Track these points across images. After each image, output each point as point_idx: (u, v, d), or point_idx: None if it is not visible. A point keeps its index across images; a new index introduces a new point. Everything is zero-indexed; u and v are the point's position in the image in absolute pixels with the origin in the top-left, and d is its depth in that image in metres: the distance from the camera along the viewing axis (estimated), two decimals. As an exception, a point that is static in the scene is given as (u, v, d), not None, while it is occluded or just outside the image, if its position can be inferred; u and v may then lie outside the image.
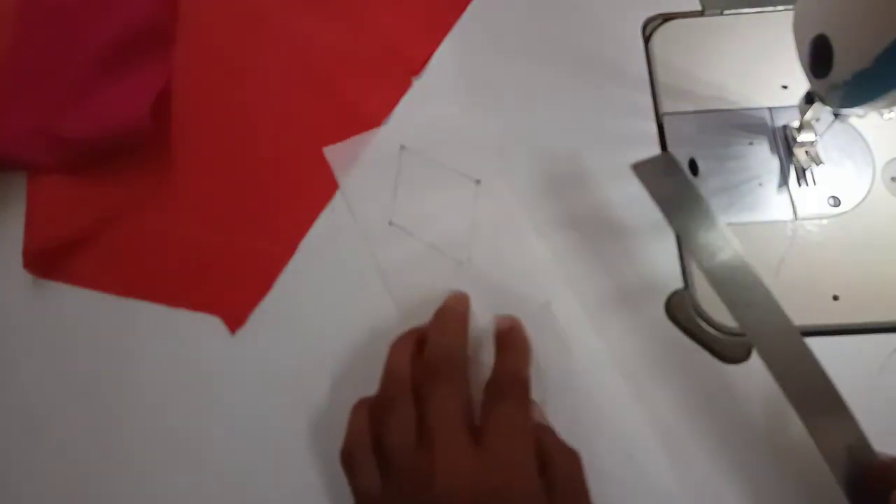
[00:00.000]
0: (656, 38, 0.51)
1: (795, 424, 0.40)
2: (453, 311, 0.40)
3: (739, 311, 0.37)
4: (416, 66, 0.51)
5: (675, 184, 0.42)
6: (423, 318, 0.41)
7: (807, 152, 0.45)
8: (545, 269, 0.45)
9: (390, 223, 0.46)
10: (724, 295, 0.38)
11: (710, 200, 0.45)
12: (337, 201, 0.47)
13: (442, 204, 0.47)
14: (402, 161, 0.48)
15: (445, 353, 0.37)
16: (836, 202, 0.45)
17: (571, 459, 0.36)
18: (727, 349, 0.42)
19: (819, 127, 0.45)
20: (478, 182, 0.47)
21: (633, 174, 0.42)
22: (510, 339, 0.40)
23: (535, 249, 0.45)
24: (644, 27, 0.52)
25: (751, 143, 0.47)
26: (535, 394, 0.39)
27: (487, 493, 0.32)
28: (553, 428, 0.38)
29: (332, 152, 0.48)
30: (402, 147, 0.48)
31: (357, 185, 0.48)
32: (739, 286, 0.38)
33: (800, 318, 0.42)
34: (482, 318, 0.42)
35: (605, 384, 0.42)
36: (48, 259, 0.46)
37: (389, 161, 0.48)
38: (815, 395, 0.36)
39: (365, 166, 0.48)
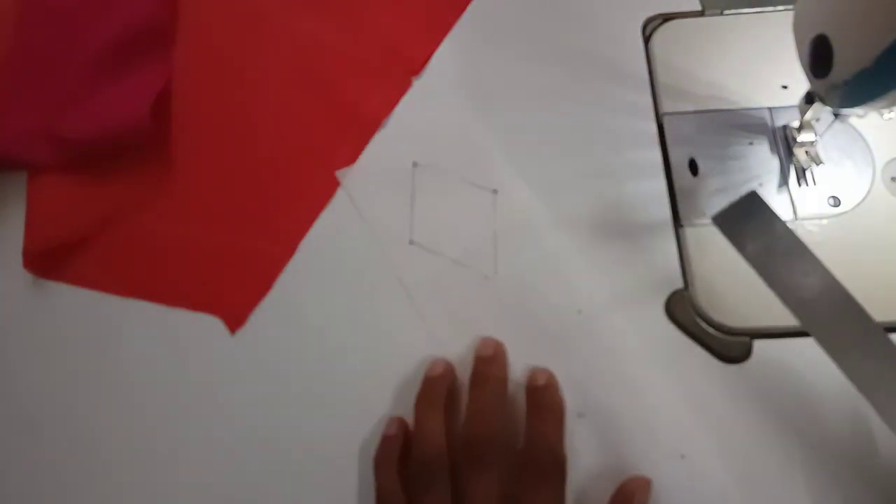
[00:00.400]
0: (656, 38, 0.51)
1: (795, 424, 0.40)
2: (492, 382, 0.39)
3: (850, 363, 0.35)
4: (417, 66, 0.51)
5: (765, 230, 0.39)
6: (454, 337, 0.42)
7: (807, 152, 0.45)
8: (573, 275, 0.44)
9: (411, 242, 0.46)
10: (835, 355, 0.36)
11: (710, 200, 0.46)
12: (337, 201, 0.47)
13: (461, 217, 0.46)
14: (415, 178, 0.47)
15: (486, 432, 0.37)
16: (837, 202, 0.45)
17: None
18: (727, 349, 0.42)
19: (819, 127, 0.45)
20: (495, 192, 0.46)
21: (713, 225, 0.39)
22: (544, 399, 0.39)
23: (558, 255, 0.45)
24: (644, 27, 0.52)
25: (751, 143, 0.47)
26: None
27: None
28: None
29: (344, 175, 0.48)
30: (415, 164, 0.47)
31: (373, 206, 0.47)
32: (853, 337, 0.36)
33: (800, 318, 0.42)
34: (515, 338, 0.42)
35: (605, 384, 0.42)
36: (48, 259, 0.46)
37: (403, 178, 0.48)
38: None
39: (379, 186, 0.48)
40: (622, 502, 0.37)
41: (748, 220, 0.39)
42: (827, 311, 0.37)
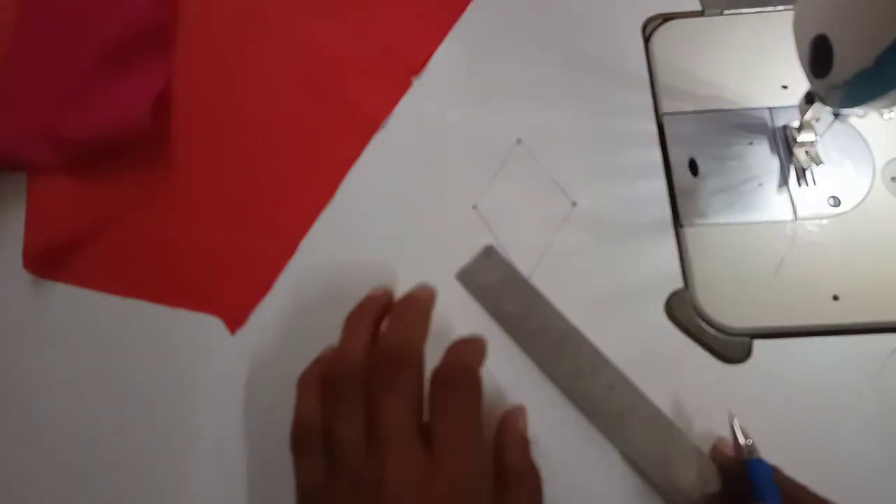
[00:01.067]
0: (656, 38, 0.51)
1: (795, 424, 0.40)
2: (419, 303, 0.38)
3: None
4: (416, 65, 0.51)
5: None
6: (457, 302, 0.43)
7: (807, 152, 0.45)
8: (572, 275, 0.45)
9: (474, 207, 0.46)
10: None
11: (710, 200, 0.46)
12: (338, 201, 0.47)
13: (530, 211, 0.46)
14: (513, 154, 0.48)
15: (405, 347, 0.35)
16: (836, 202, 0.45)
17: (530, 485, 0.36)
18: (727, 349, 0.42)
19: (819, 127, 0.45)
20: (574, 204, 0.46)
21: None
22: (463, 342, 0.37)
23: (557, 255, 0.45)
24: (644, 27, 0.52)
25: (751, 143, 0.47)
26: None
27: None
28: (527, 439, 0.37)
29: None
30: (519, 140, 0.48)
31: (461, 162, 0.48)
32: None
33: (800, 319, 0.42)
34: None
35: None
36: (48, 259, 0.46)
37: (500, 150, 0.48)
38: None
39: (476, 149, 0.48)
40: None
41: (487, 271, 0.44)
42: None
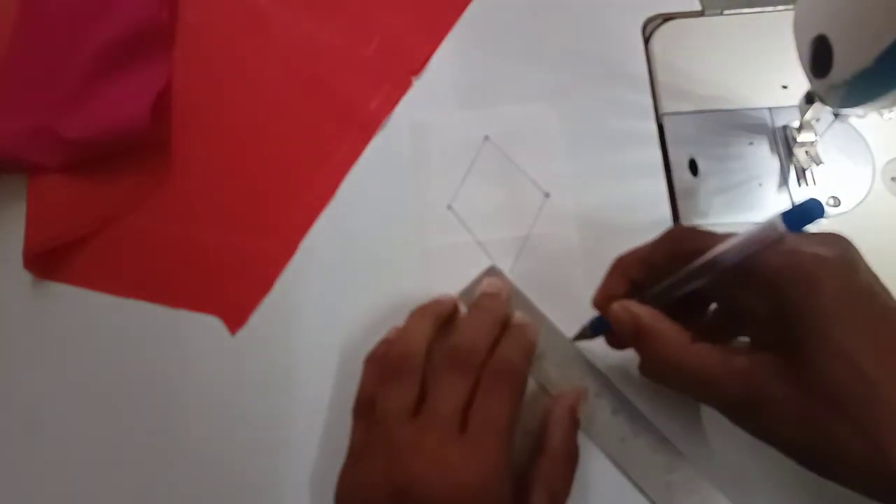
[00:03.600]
0: (656, 38, 0.51)
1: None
2: (491, 312, 0.39)
3: None
4: (416, 65, 0.51)
5: None
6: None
7: (807, 152, 0.45)
8: (572, 275, 0.45)
9: (449, 207, 0.47)
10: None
11: (710, 200, 0.46)
12: (338, 201, 0.47)
13: (505, 207, 0.47)
14: (482, 151, 0.48)
15: (470, 345, 0.37)
16: (836, 202, 0.45)
17: (563, 466, 0.37)
18: (727, 349, 0.42)
19: (819, 127, 0.45)
20: (547, 195, 0.46)
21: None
22: (518, 330, 0.39)
23: (557, 255, 0.45)
24: (644, 27, 0.52)
25: (751, 144, 0.47)
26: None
27: (459, 486, 0.33)
28: (576, 420, 0.38)
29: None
30: (487, 138, 0.48)
31: (430, 161, 0.48)
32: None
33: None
34: None
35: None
36: (48, 259, 0.46)
37: (469, 147, 0.48)
38: None
39: (444, 145, 0.48)
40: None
41: None
42: None
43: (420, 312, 0.40)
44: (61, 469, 0.42)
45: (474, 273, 0.45)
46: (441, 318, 0.40)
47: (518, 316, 0.40)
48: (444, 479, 0.33)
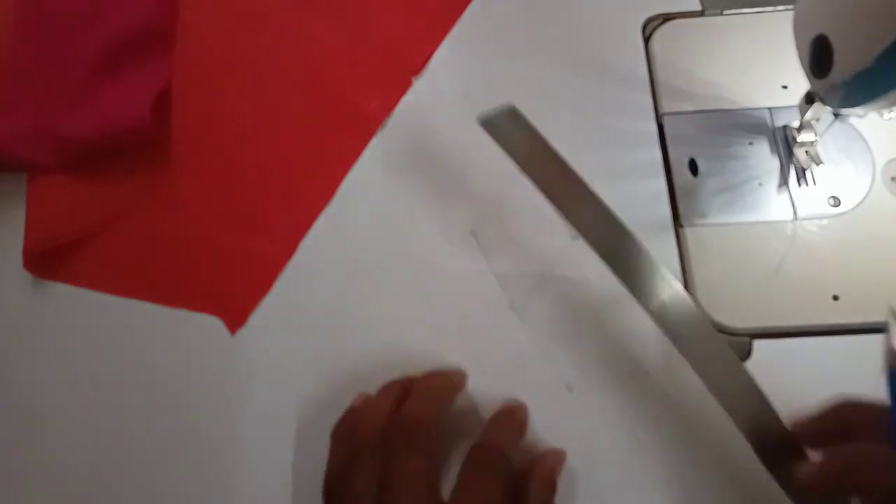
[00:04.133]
0: (656, 38, 0.51)
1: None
2: (448, 377, 0.40)
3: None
4: (417, 65, 0.51)
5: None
6: (454, 332, 0.43)
7: (807, 152, 0.45)
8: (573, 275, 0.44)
9: (472, 232, 0.46)
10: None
11: (710, 200, 0.46)
12: (337, 201, 0.47)
13: (530, 244, 0.46)
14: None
15: (421, 414, 0.37)
16: (837, 202, 0.45)
17: None
18: (727, 349, 0.42)
19: (819, 127, 0.45)
20: (574, 238, 0.45)
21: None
22: (506, 416, 0.39)
23: (558, 255, 0.45)
24: (644, 27, 0.52)
25: (751, 143, 0.47)
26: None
27: None
28: (555, 485, 0.37)
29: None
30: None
31: (460, 160, 0.48)
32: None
33: (799, 319, 0.42)
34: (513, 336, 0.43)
35: (604, 385, 0.42)
36: (48, 259, 0.46)
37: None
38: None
39: (476, 147, 0.47)
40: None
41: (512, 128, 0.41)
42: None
43: (388, 385, 0.39)
44: (61, 468, 0.42)
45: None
46: (407, 389, 0.39)
47: (508, 403, 0.40)
48: None
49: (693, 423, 0.40)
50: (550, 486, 0.37)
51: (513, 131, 0.40)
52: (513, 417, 0.39)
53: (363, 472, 0.35)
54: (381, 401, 0.38)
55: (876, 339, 0.42)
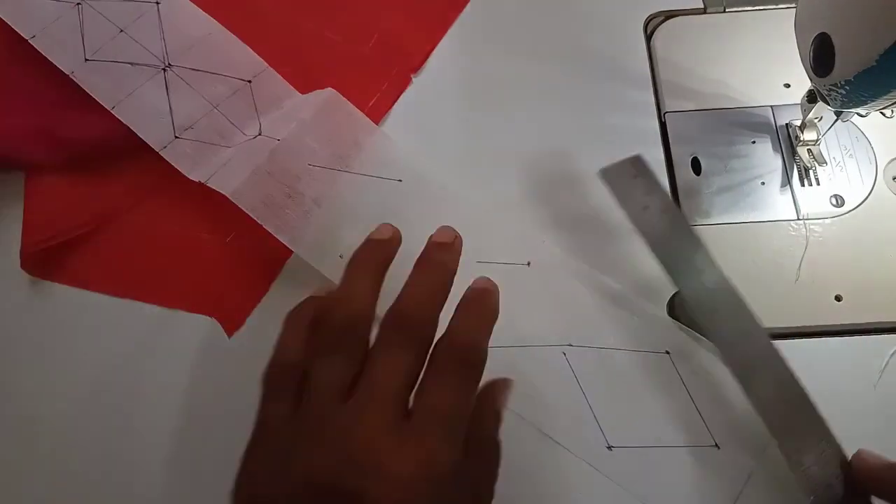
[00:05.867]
0: (658, 36, 0.51)
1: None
2: (441, 268, 0.35)
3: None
4: (416, 63, 0.51)
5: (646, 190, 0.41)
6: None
7: (809, 151, 0.45)
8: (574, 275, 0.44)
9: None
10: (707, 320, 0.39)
11: (713, 199, 0.45)
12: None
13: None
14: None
15: (415, 313, 0.33)
16: (839, 201, 0.45)
17: (486, 458, 0.33)
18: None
19: (822, 126, 0.44)
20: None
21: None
22: (477, 298, 0.34)
23: (559, 255, 0.45)
24: (646, 25, 0.51)
25: (753, 142, 0.47)
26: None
27: (397, 483, 0.28)
28: (500, 414, 0.34)
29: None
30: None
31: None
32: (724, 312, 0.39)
33: (802, 319, 0.42)
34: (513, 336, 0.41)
35: (606, 385, 0.41)
36: (45, 259, 0.46)
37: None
38: (794, 419, 0.37)
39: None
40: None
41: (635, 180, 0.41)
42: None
43: (362, 264, 0.35)
44: (59, 468, 0.42)
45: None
46: (384, 267, 0.35)
47: (479, 279, 0.35)
48: (379, 473, 0.28)
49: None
50: (495, 416, 0.34)
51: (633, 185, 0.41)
52: (484, 305, 0.34)
53: (333, 360, 0.31)
54: (355, 288, 0.34)
55: (879, 340, 0.42)
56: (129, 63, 0.47)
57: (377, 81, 0.50)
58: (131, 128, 0.45)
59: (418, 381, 0.31)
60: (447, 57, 0.51)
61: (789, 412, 0.37)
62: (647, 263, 0.44)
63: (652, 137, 0.48)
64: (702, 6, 0.51)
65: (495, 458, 0.33)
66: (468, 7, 0.53)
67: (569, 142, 0.48)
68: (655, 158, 0.47)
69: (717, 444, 0.40)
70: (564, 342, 0.42)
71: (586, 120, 0.49)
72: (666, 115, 0.48)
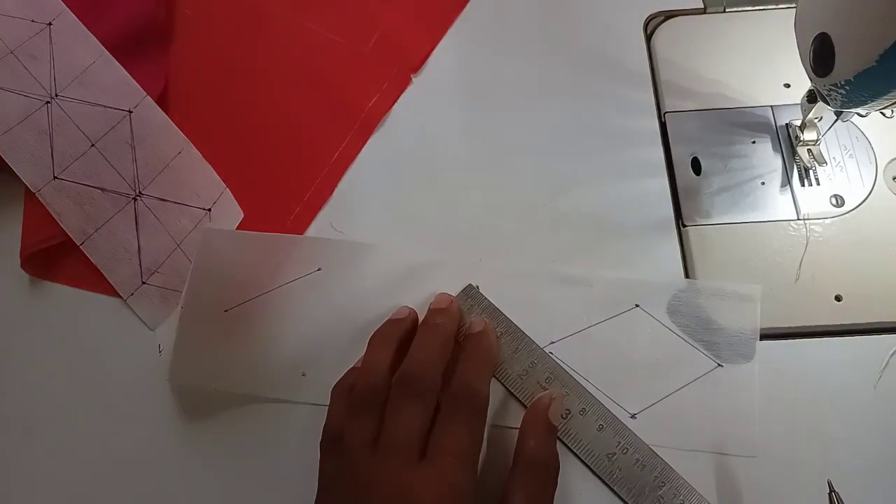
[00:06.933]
0: (658, 36, 0.51)
1: (795, 424, 0.40)
2: (440, 329, 0.40)
3: None
4: (416, 63, 0.51)
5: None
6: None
7: (809, 151, 0.45)
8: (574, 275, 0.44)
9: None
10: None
11: (713, 199, 0.45)
12: (336, 198, 0.47)
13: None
14: None
15: (420, 370, 0.38)
16: (839, 201, 0.45)
17: (543, 473, 0.37)
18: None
19: (822, 126, 0.44)
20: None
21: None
22: (475, 345, 0.40)
23: (559, 254, 0.45)
24: (646, 25, 0.51)
25: (753, 142, 0.47)
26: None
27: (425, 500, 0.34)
28: (553, 426, 0.38)
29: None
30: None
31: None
32: None
33: (802, 319, 0.42)
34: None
35: (606, 385, 0.41)
36: (44, 259, 0.46)
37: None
38: None
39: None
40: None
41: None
42: None
43: (380, 339, 0.40)
44: (59, 468, 0.42)
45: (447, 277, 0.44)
46: (401, 341, 0.40)
47: (475, 323, 0.41)
48: (411, 500, 0.33)
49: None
50: (548, 424, 0.38)
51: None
52: (483, 355, 0.40)
53: (361, 421, 0.37)
54: (375, 359, 0.39)
55: (879, 340, 0.42)
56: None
57: (377, 81, 0.50)
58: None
59: (434, 424, 0.36)
60: (447, 57, 0.51)
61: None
62: (648, 263, 0.44)
63: (652, 137, 0.48)
64: (702, 6, 0.51)
65: (550, 467, 0.37)
66: (468, 7, 0.53)
67: (568, 142, 0.48)
68: (655, 158, 0.47)
69: (719, 364, 0.41)
70: (547, 342, 0.42)
71: (586, 120, 0.49)
72: (666, 115, 0.48)
